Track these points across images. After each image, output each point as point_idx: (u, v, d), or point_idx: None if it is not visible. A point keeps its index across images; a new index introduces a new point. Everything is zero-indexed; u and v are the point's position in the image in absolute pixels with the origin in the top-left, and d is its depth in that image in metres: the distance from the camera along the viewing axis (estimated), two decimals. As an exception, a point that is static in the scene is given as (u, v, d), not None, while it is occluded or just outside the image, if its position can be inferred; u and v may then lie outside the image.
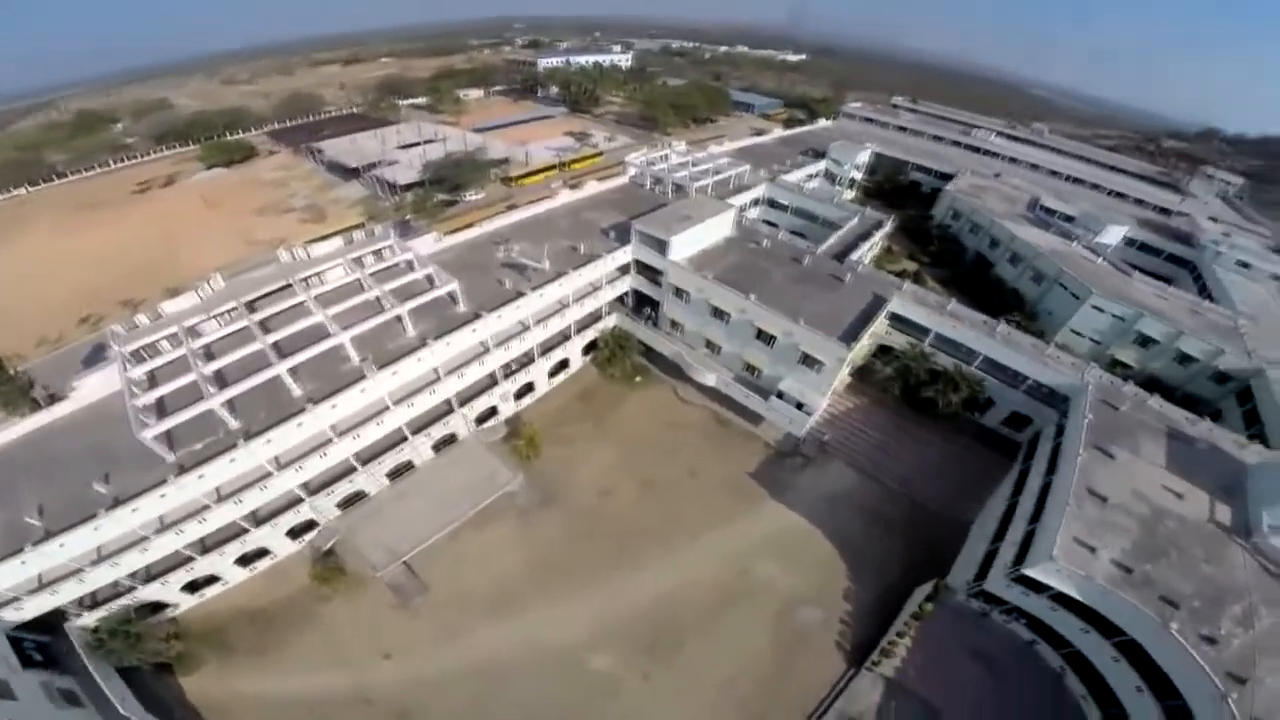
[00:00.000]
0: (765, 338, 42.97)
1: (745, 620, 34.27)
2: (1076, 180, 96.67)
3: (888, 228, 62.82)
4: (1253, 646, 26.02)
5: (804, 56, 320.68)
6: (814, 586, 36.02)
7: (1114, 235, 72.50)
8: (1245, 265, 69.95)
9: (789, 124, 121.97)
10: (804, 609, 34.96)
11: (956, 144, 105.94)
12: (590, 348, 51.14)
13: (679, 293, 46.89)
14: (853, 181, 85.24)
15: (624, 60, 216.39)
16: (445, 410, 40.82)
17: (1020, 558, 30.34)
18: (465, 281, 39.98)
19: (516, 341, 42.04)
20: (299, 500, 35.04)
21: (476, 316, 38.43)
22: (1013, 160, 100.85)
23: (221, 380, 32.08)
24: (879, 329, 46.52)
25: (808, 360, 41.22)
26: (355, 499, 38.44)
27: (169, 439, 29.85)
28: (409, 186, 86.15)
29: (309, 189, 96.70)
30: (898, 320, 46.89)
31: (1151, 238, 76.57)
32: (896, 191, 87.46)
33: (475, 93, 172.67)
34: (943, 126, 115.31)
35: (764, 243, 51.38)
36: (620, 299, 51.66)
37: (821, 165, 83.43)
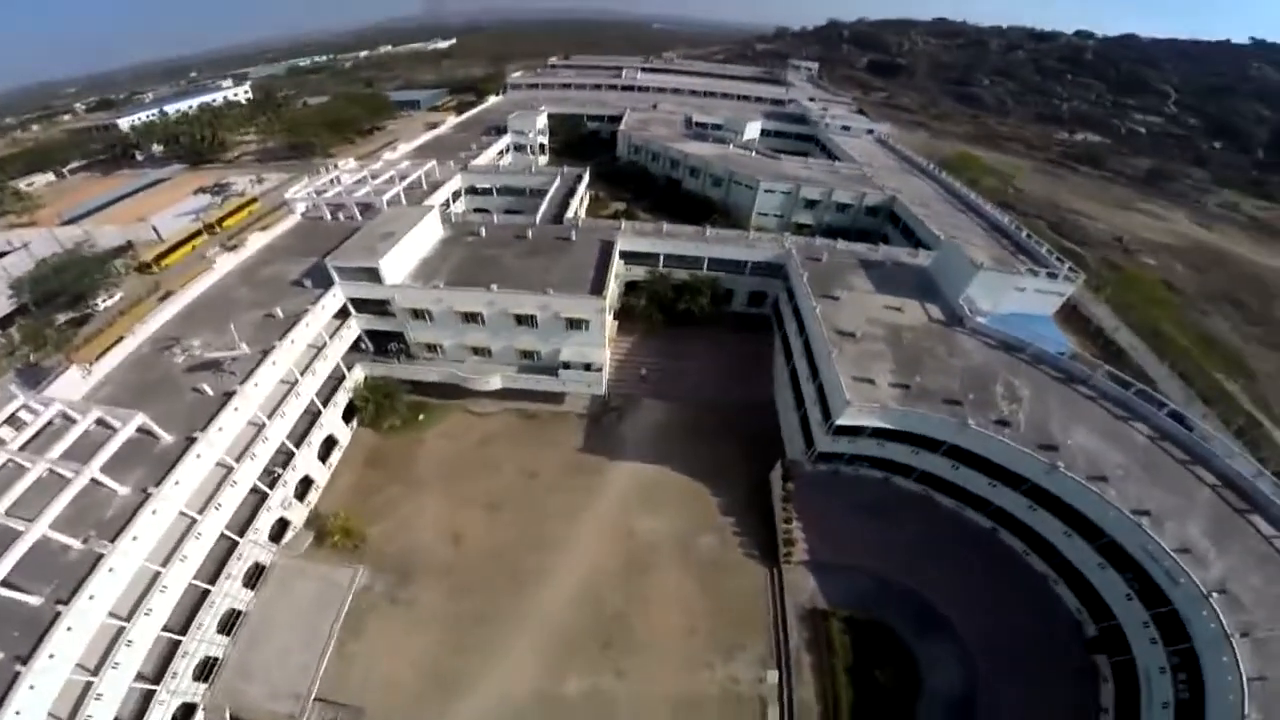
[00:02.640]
0: (527, 320, 41.37)
1: (662, 575, 34.52)
2: (710, 94, 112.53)
3: (586, 178, 65.07)
4: (1034, 415, 33.68)
5: (454, 41, 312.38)
6: (693, 517, 37.51)
7: (753, 131, 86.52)
8: (846, 128, 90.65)
9: (461, 110, 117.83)
10: (700, 540, 36.33)
11: (613, 88, 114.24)
12: (351, 411, 43.66)
13: (418, 314, 42.10)
14: (542, 146, 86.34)
15: (241, 93, 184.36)
16: (228, 546, 31.31)
17: (826, 412, 34.64)
18: (152, 407, 30.00)
19: (259, 446, 33.43)
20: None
21: (191, 441, 29.20)
22: (659, 90, 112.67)
23: None
24: (619, 270, 48.57)
25: (573, 324, 40.90)
26: (210, 666, 29.83)
27: None
28: (6, 320, 62.23)
29: None
30: (630, 256, 49.52)
31: (779, 125, 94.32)
32: (581, 143, 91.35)
33: (42, 179, 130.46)
34: (597, 75, 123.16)
35: (481, 231, 48.82)
36: (357, 345, 44.68)
37: (506, 140, 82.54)
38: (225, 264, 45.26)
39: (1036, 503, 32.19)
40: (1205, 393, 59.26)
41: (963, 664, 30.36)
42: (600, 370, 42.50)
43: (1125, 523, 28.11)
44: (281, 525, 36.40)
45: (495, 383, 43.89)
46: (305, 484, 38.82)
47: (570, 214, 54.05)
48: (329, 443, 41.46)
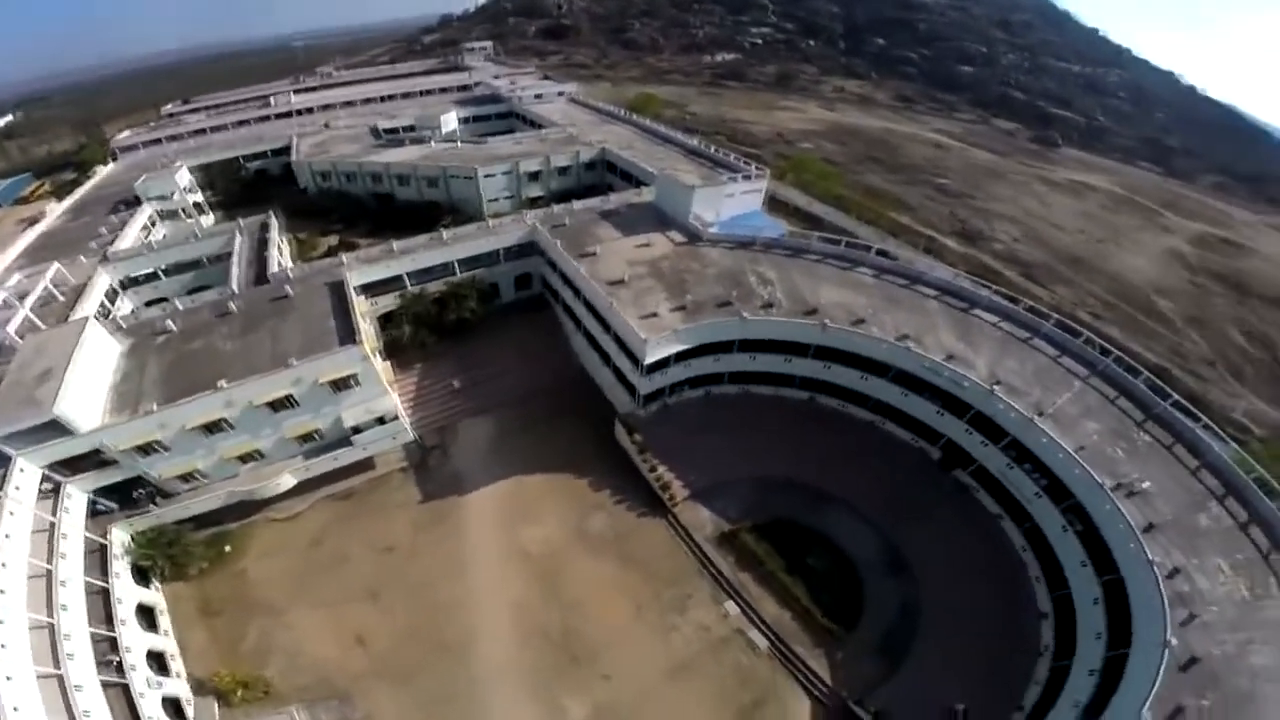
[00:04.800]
0: (284, 403, 34.04)
1: (579, 573, 33.29)
2: (390, 98, 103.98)
3: (275, 223, 55.27)
4: (788, 291, 37.33)
5: (11, 117, 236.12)
6: (572, 506, 36.54)
7: (451, 122, 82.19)
8: (539, 96, 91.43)
9: (62, 193, 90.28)
10: (591, 524, 35.53)
11: (266, 119, 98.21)
12: (143, 576, 32.44)
13: (146, 449, 31.92)
14: (199, 205, 70.68)
15: None
16: None
17: (633, 358, 35.39)
18: None
19: (69, 645, 22.64)
20: None
21: None
22: (327, 107, 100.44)
23: None
24: (364, 307, 42.53)
25: (340, 385, 34.79)
26: None
27: None
28: None
29: None
30: (370, 288, 43.77)
31: (475, 110, 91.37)
32: (250, 188, 77.22)
33: None
34: (240, 110, 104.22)
35: (170, 324, 38.15)
36: (93, 510, 32.86)
37: (147, 211, 65.49)
38: None
39: (828, 361, 37.26)
40: (889, 229, 75.39)
41: (865, 520, 34.36)
42: (397, 418, 37.45)
43: (896, 350, 34.33)
44: (175, 706, 27.36)
45: (287, 483, 36.13)
46: (159, 658, 29.13)
47: (275, 267, 45.38)
48: (146, 612, 31.19)
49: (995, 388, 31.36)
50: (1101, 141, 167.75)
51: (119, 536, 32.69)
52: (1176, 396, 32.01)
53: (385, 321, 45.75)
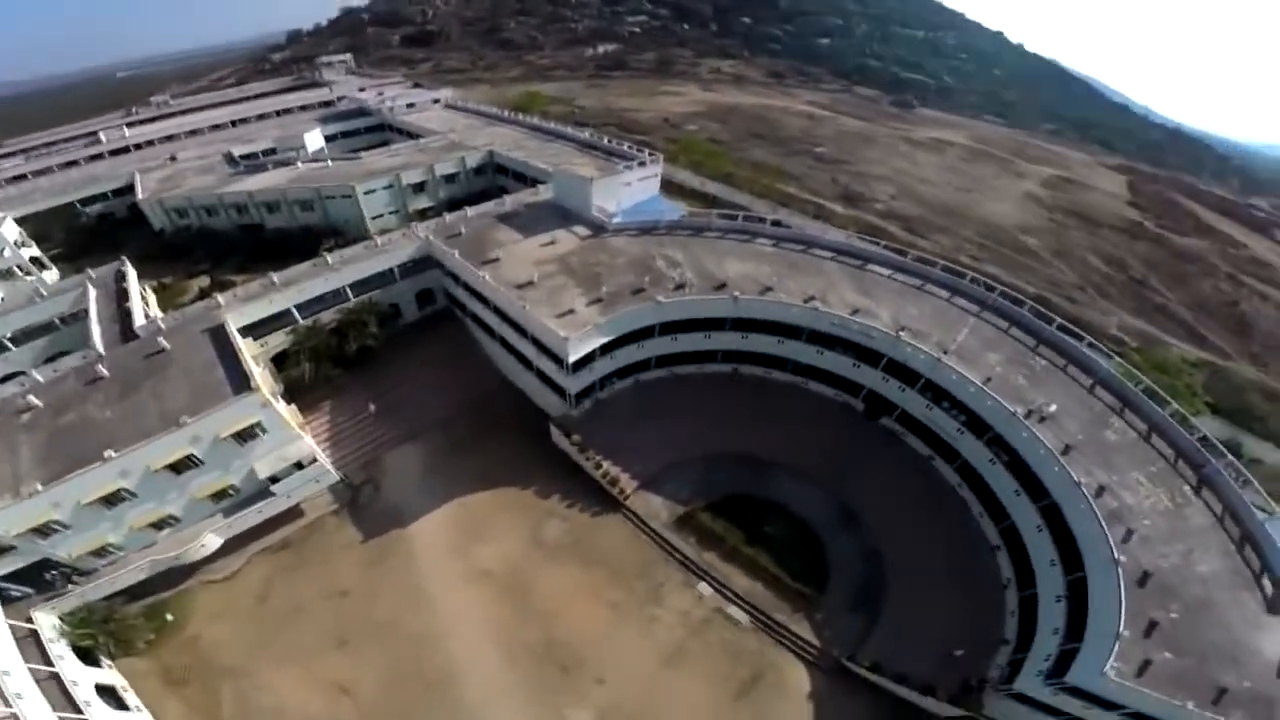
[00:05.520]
0: (187, 464, 30.56)
1: (547, 582, 32.30)
2: (243, 121, 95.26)
3: (131, 270, 48.92)
4: (696, 270, 37.24)
5: None
6: (524, 517, 35.35)
7: (316, 140, 76.45)
8: (412, 105, 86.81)
9: None
10: (547, 532, 34.60)
11: (99, 157, 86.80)
12: (88, 656, 28.73)
13: (43, 531, 28.08)
14: (35, 260, 61.33)
15: None
16: None
17: (556, 359, 34.64)
18: None
19: None
20: None
21: None
22: (170, 139, 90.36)
23: None
24: (254, 350, 38.58)
25: (244, 435, 31.60)
26: None
27: None
28: None
29: None
30: (255, 328, 39.67)
31: (342, 126, 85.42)
32: (95, 235, 68.12)
33: None
34: (65, 151, 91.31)
35: (32, 399, 32.64)
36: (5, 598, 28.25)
37: (-38, 278, 56.02)
38: None
39: (745, 332, 37.98)
40: (779, 200, 78.35)
41: (809, 480, 35.26)
42: (315, 460, 34.47)
43: (805, 312, 35.65)
44: None
45: (212, 543, 32.60)
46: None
47: (141, 320, 40.13)
48: (109, 691, 27.68)
49: (900, 334, 33.22)
50: (951, 100, 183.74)
51: (45, 620, 29.12)
52: (1060, 320, 35.35)
53: (280, 362, 41.76)
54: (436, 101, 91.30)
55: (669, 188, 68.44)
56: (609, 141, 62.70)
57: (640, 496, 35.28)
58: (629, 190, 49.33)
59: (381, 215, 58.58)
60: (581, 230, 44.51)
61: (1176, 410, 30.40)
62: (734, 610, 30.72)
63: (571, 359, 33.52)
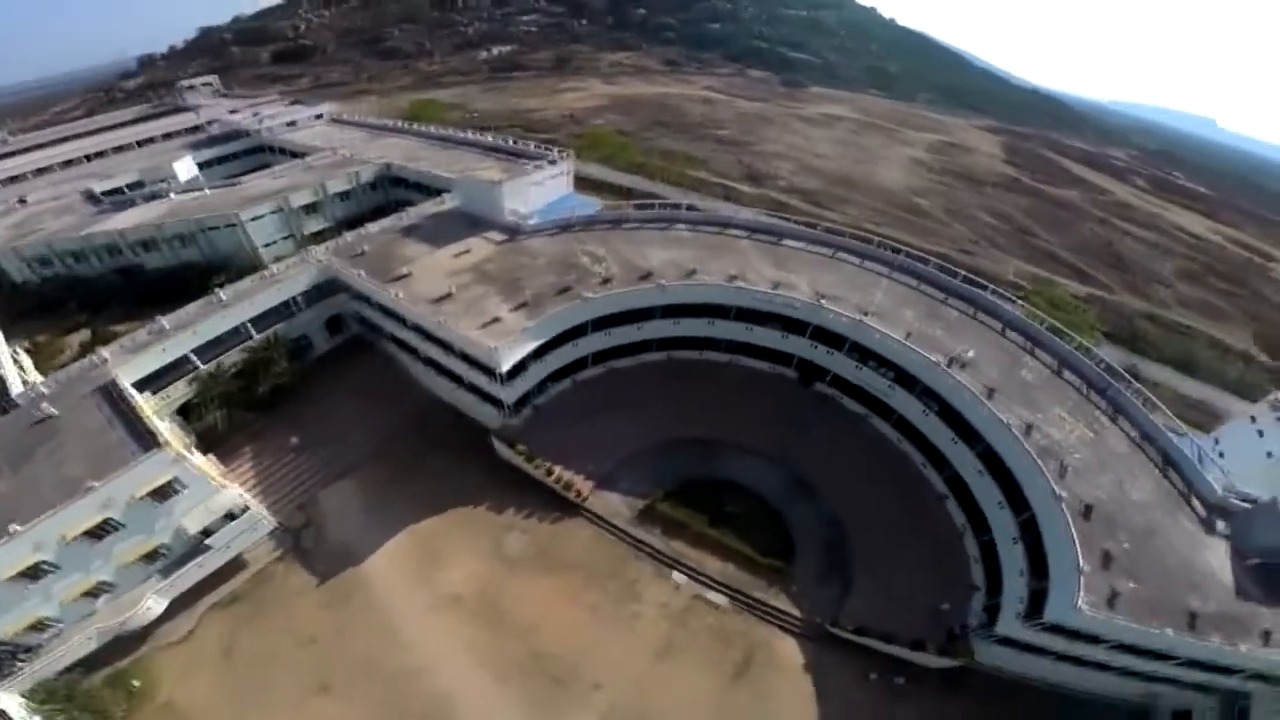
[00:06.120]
0: (105, 529, 27.85)
1: (518, 597, 31.23)
2: (99, 155, 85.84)
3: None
4: (620, 262, 36.71)
5: None
6: (483, 536, 34.09)
7: (188, 169, 70.03)
8: (292, 123, 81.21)
9: None
10: (509, 547, 33.46)
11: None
12: None
13: None
14: None
15: None
16: None
17: (488, 370, 33.43)
18: None
19: None
20: None
21: None
22: (14, 180, 80.00)
23: None
24: (153, 406, 34.91)
25: (161, 493, 28.95)
26: None
27: None
28: None
29: None
30: (150, 380, 35.87)
31: (216, 151, 78.68)
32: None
33: None
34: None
35: None
36: None
37: None
38: None
39: (675, 318, 38.25)
40: (690, 185, 79.63)
41: (757, 454, 35.83)
42: (247, 509, 31.99)
43: (729, 291, 36.28)
44: None
45: (156, 605, 29.87)
46: None
47: (19, 387, 35.23)
48: None
49: (821, 301, 34.47)
50: (836, 76, 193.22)
51: (10, 701, 26.94)
52: (963, 273, 37.83)
53: (186, 412, 38.01)
54: (319, 117, 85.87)
55: (582, 183, 67.71)
56: (513, 143, 61.42)
57: (598, 496, 34.81)
58: (540, 190, 48.40)
59: (274, 242, 54.34)
60: (495, 235, 43.16)
61: (1080, 343, 33.16)
62: (712, 595, 30.95)
63: (503, 368, 32.39)
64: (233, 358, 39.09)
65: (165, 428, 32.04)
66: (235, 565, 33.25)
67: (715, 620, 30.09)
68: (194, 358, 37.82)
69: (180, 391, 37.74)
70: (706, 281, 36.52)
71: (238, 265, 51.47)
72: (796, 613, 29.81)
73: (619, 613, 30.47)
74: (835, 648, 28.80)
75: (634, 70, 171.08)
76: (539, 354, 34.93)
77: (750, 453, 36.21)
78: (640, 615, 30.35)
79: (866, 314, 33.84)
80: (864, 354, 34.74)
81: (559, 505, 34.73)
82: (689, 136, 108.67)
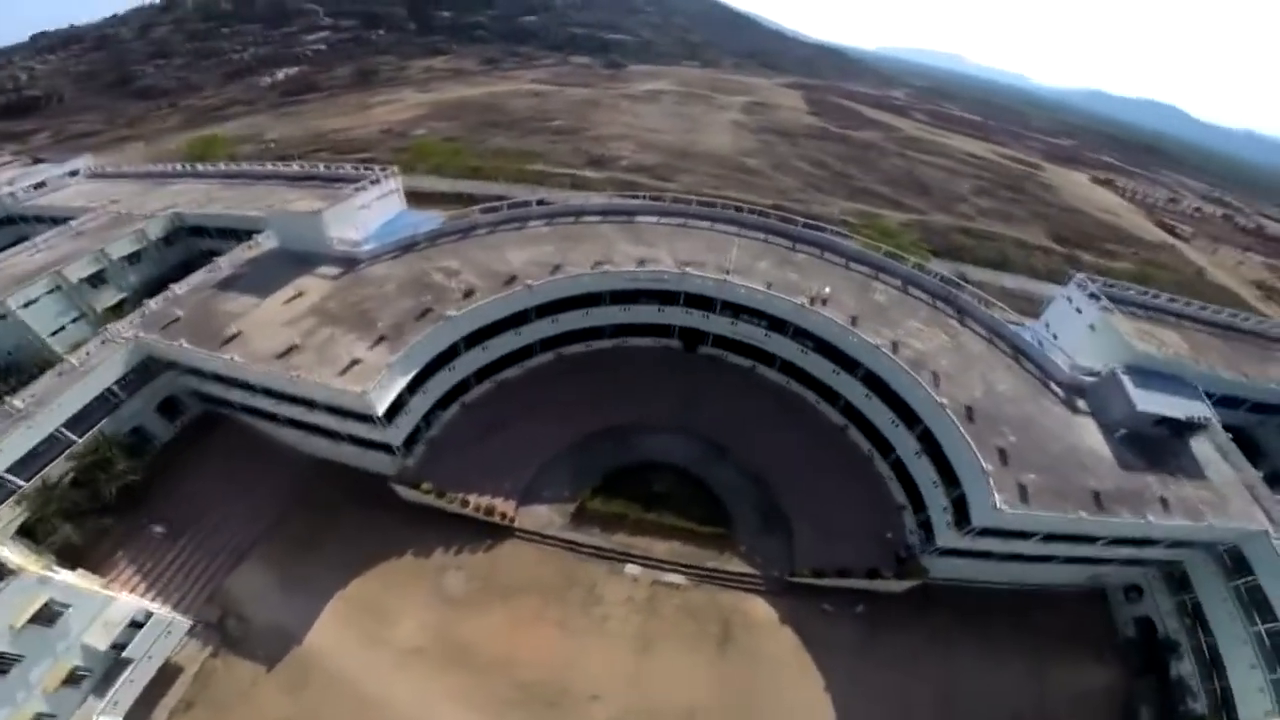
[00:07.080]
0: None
1: (478, 634, 29.46)
2: None
3: None
4: (476, 271, 34.37)
5: None
6: (416, 586, 31.43)
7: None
8: (41, 185, 66.58)
9: None
10: (450, 587, 31.31)
11: None
12: None
13: None
14: None
15: None
16: None
17: (361, 417, 30.55)
18: None
19: None
20: None
21: None
22: None
23: None
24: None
25: (44, 617, 24.17)
26: None
27: None
28: None
29: None
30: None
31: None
32: None
33: None
34: None
35: None
36: None
37: None
38: None
39: (552, 315, 37.45)
40: (534, 180, 78.33)
41: (665, 429, 36.10)
42: (150, 613, 27.57)
43: (597, 278, 36.00)
44: None
45: None
46: None
47: None
48: None
49: (685, 269, 35.49)
50: (651, 52, 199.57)
51: None
52: (802, 219, 40.82)
53: (32, 533, 30.44)
54: (75, 174, 71.67)
55: (418, 198, 63.58)
56: (325, 168, 56.01)
57: (524, 512, 33.35)
58: (369, 213, 44.49)
59: (62, 328, 44.50)
60: (328, 270, 38.91)
61: (915, 262, 37.73)
62: (670, 576, 31.14)
63: (379, 411, 29.46)
64: (61, 468, 31.88)
65: (9, 552, 26.42)
66: (171, 671, 28.65)
67: (681, 600, 30.37)
68: (11, 478, 30.31)
69: (11, 514, 30.18)
70: (573, 273, 35.96)
71: (25, 364, 41.80)
72: (754, 571, 30.78)
73: (587, 620, 29.76)
74: (802, 595, 30.08)
75: (451, 74, 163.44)
76: (415, 385, 32.37)
77: (658, 429, 36.61)
78: (609, 616, 29.86)
79: (728, 273, 35.41)
80: (736, 310, 36.32)
81: (488, 532, 32.81)
82: (522, 132, 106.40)
